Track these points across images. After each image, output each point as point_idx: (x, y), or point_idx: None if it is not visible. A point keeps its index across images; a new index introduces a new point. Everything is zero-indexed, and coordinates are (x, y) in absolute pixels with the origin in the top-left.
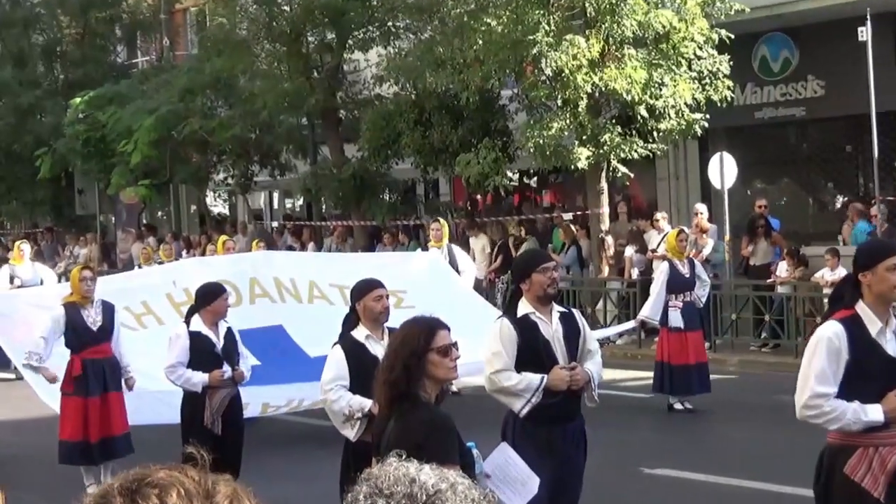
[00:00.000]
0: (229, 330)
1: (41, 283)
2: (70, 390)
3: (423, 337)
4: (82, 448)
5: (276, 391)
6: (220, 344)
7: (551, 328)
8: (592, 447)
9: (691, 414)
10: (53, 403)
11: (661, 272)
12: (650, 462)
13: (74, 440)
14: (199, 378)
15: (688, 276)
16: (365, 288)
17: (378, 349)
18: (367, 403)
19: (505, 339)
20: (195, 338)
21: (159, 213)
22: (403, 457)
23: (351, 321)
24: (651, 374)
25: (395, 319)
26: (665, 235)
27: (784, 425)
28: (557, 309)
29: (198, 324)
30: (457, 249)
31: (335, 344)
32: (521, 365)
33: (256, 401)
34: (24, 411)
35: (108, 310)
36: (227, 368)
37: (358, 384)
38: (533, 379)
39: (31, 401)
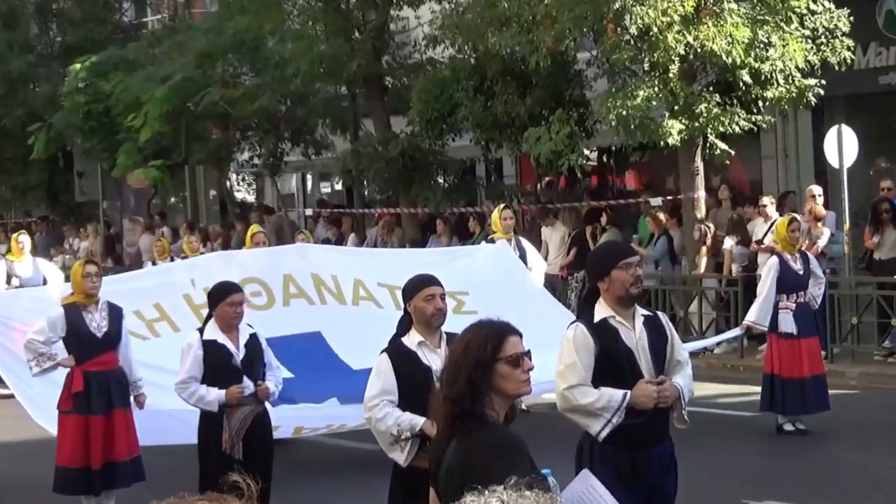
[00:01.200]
0: (253, 337)
1: (44, 281)
2: (69, 408)
3: (490, 344)
4: (83, 475)
5: (312, 412)
6: (239, 354)
7: (634, 335)
8: (685, 475)
9: (804, 436)
10: (50, 426)
11: (769, 268)
12: (755, 493)
13: (74, 466)
14: (215, 395)
15: (801, 272)
16: (414, 286)
17: (433, 358)
18: (419, 422)
19: (580, 349)
20: (210, 348)
21: (172, 200)
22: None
23: (404, 324)
24: (755, 388)
25: (456, 326)
26: (773, 224)
27: None
28: (641, 312)
29: (213, 331)
30: (525, 242)
31: (382, 352)
32: (599, 379)
33: (288, 423)
34: (14, 433)
35: (114, 313)
36: (247, 383)
37: (408, 399)
38: (614, 395)
39: (21, 421)
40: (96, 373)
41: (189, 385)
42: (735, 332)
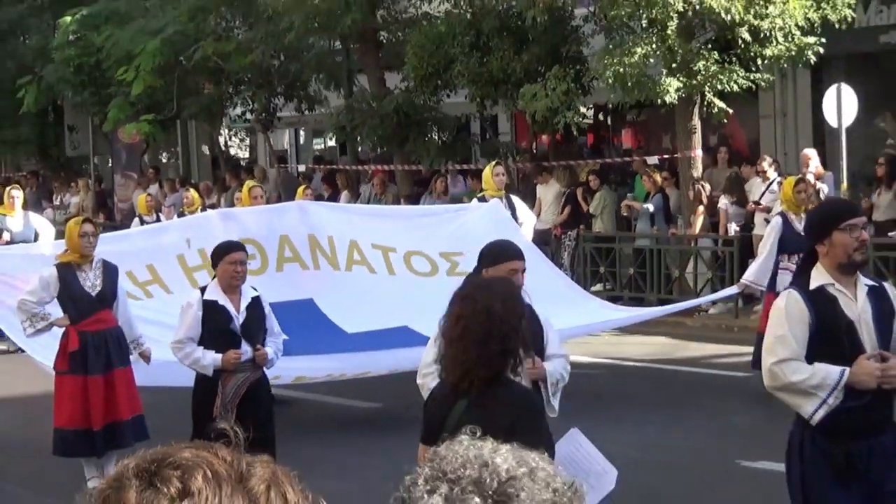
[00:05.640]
0: (256, 301)
1: (35, 237)
2: (65, 368)
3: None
4: (83, 436)
5: (311, 362)
6: (239, 318)
7: (856, 306)
8: (679, 436)
9: None
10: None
11: (772, 228)
12: (749, 453)
13: (73, 427)
14: (210, 359)
15: (803, 233)
16: (501, 254)
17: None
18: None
19: (793, 319)
20: (209, 309)
21: (164, 155)
22: (478, 434)
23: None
24: (749, 349)
25: (450, 288)
26: (771, 184)
27: None
28: (865, 281)
29: (214, 291)
30: (515, 198)
31: None
32: (814, 354)
33: (288, 373)
34: (10, 388)
35: (109, 271)
36: (245, 349)
37: None
38: (830, 372)
39: (14, 375)
40: (93, 332)
41: (185, 346)
42: (732, 290)
